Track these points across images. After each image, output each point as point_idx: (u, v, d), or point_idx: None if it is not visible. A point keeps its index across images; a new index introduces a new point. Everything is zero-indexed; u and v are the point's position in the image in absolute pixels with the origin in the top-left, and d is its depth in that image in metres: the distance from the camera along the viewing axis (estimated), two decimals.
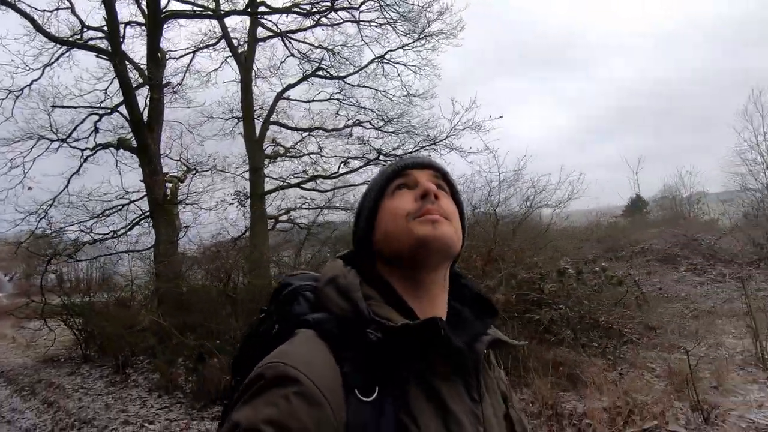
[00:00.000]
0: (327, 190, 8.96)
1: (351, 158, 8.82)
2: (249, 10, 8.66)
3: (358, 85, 9.82)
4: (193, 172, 9.79)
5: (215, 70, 10.08)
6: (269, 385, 0.53)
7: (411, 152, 9.29)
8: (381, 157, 8.60)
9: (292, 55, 9.87)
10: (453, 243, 0.65)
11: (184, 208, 8.45)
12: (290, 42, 9.88)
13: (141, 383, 5.69)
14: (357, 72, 9.67)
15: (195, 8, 8.03)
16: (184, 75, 9.70)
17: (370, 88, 9.81)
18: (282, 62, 9.72)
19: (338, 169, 8.82)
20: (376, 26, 8.61)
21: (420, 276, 0.65)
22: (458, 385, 0.63)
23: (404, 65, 9.99)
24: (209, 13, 8.15)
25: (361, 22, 8.72)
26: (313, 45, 9.78)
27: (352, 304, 0.62)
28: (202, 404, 4.67)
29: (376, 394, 0.55)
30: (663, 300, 7.69)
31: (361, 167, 8.78)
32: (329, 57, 9.65)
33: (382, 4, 8.16)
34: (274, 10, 9.09)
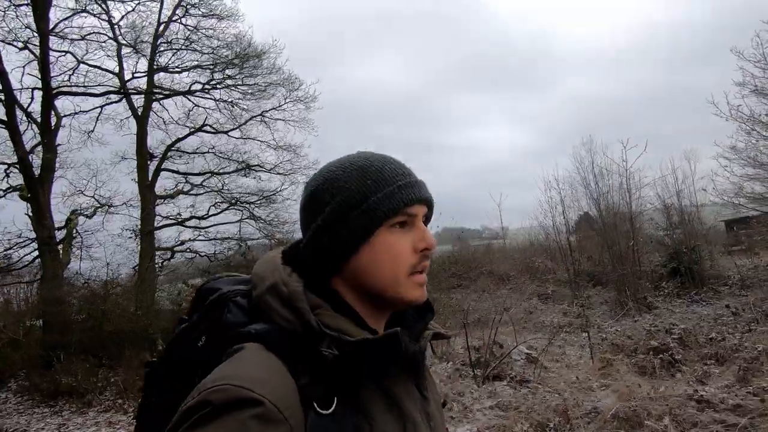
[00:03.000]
0: (205, 227, 10.92)
1: (219, 203, 10.96)
2: (144, 89, 10.52)
3: (241, 137, 11.99)
4: (92, 209, 11.25)
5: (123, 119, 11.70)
6: (219, 411, 0.47)
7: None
8: (237, 205, 10.83)
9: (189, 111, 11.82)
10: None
11: (73, 247, 9.93)
12: (183, 99, 11.81)
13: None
14: (238, 128, 11.82)
15: (86, 84, 9.76)
16: (95, 125, 11.25)
17: (252, 139, 12.01)
18: (175, 121, 11.54)
19: (208, 211, 10.85)
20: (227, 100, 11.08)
21: (383, 309, 0.65)
22: (410, 385, 0.63)
23: (283, 121, 12.40)
24: (95, 92, 9.87)
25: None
26: (198, 105, 11.80)
27: (298, 315, 0.57)
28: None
29: (335, 405, 0.53)
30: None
31: (223, 210, 10.97)
32: (216, 114, 11.73)
33: (231, 84, 10.55)
34: (163, 94, 11.02)
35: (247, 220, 11.41)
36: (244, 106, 11.98)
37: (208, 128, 11.66)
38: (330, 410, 0.53)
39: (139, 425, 0.65)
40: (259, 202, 11.41)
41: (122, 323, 7.31)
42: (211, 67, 11.46)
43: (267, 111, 12.10)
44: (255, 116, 11.90)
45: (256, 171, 12.30)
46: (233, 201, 11.11)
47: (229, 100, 11.86)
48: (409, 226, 0.64)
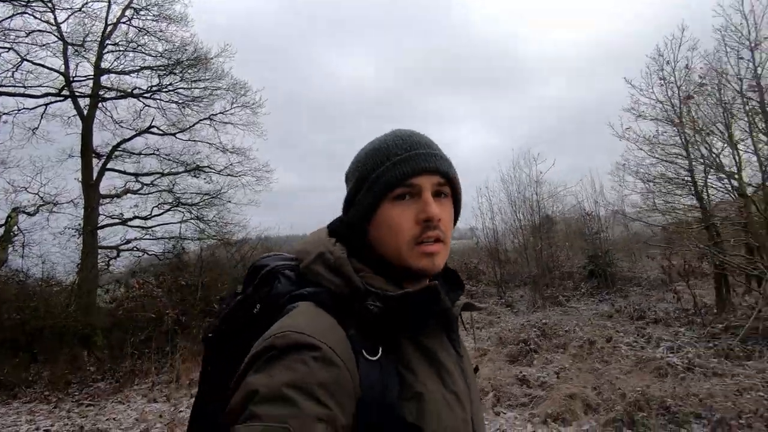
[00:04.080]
0: (151, 227, 11.21)
1: (162, 203, 11.31)
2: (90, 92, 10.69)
3: (189, 140, 12.31)
4: (35, 207, 11.29)
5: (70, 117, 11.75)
6: (284, 352, 0.54)
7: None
8: (180, 206, 11.24)
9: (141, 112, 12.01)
10: (443, 265, 0.70)
11: (12, 244, 10.03)
12: (130, 100, 12.00)
13: None
14: (186, 130, 12.15)
15: (26, 85, 9.88)
16: (39, 122, 11.26)
17: (201, 141, 12.37)
18: (117, 122, 11.72)
19: (151, 211, 11.17)
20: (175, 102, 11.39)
21: (407, 279, 0.69)
22: (445, 341, 0.70)
23: (232, 124, 12.82)
24: (34, 93, 10.01)
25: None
26: (149, 106, 12.03)
27: (345, 278, 0.64)
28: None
29: (380, 353, 0.59)
30: None
31: (166, 210, 11.32)
32: (165, 116, 12.00)
33: (175, 89, 10.97)
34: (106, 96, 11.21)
35: (192, 221, 11.74)
36: (193, 109, 12.35)
37: (155, 130, 11.90)
38: (376, 357, 0.58)
39: (200, 392, 0.70)
40: (203, 202, 11.77)
41: (56, 320, 7.61)
42: (159, 70, 11.74)
43: (215, 114, 12.50)
44: (203, 119, 12.26)
45: (206, 172, 12.66)
46: (176, 202, 11.44)
47: (180, 102, 12.17)
48: (414, 198, 0.67)
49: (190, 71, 11.94)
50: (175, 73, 11.96)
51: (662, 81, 9.41)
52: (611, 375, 4.55)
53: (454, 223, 0.74)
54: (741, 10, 9.22)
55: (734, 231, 8.28)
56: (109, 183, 11.81)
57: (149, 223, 11.34)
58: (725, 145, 9.01)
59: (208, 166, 12.72)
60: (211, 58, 12.34)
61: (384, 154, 0.70)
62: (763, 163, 8.19)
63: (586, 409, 3.98)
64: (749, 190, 8.03)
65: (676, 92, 9.23)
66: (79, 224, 11.09)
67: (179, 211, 11.26)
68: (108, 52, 11.63)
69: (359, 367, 0.57)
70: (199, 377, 0.71)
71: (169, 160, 12.12)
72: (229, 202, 11.87)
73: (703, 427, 3.59)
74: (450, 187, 0.71)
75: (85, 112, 11.53)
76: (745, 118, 8.68)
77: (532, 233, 12.59)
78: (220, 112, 12.57)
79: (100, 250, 10.97)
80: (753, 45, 9.25)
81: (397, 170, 0.67)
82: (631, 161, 9.83)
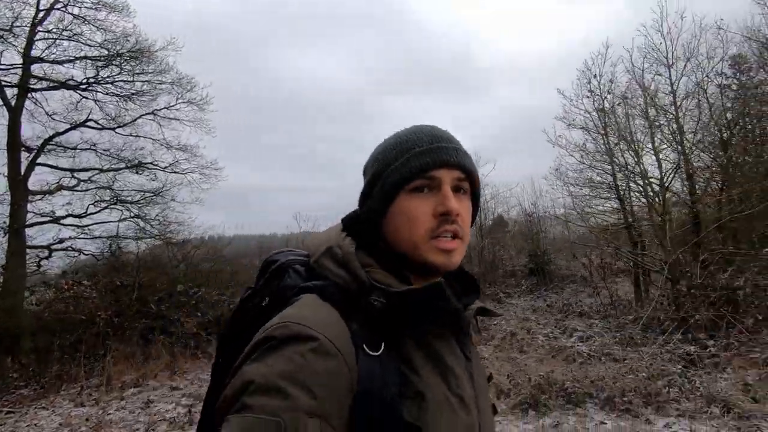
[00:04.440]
0: (86, 226, 10.66)
1: (99, 201, 10.82)
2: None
3: (131, 135, 11.84)
4: None
5: None
6: (282, 343, 0.54)
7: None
8: (119, 204, 10.83)
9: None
10: (459, 263, 0.68)
11: None
12: (66, 92, 11.35)
13: None
14: (127, 125, 11.66)
15: None
16: None
17: (143, 137, 11.92)
18: (49, 115, 11.06)
19: (86, 209, 10.66)
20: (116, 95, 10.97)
21: (421, 274, 0.67)
22: (453, 344, 0.67)
23: (178, 120, 12.44)
24: None
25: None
26: (87, 98, 11.44)
27: (351, 272, 0.63)
28: None
29: (382, 349, 0.58)
30: None
31: (103, 209, 10.86)
32: (104, 109, 11.46)
33: (114, 82, 10.54)
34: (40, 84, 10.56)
35: (132, 219, 11.29)
36: (137, 103, 11.88)
37: (92, 124, 11.33)
38: (378, 353, 0.57)
39: (211, 384, 0.70)
40: (143, 200, 11.36)
41: None
42: (98, 60, 11.20)
43: (159, 110, 12.09)
44: (146, 114, 11.82)
45: (149, 169, 12.21)
46: (114, 200, 10.97)
47: (122, 95, 11.67)
48: (433, 192, 0.66)
49: (131, 63, 11.48)
50: (115, 65, 11.47)
51: (590, 93, 10.21)
52: (525, 363, 4.96)
53: (472, 222, 0.73)
54: (660, 30, 10.22)
55: (650, 232, 9.16)
56: (40, 178, 11.10)
57: (85, 221, 10.78)
58: (643, 153, 9.94)
59: (151, 163, 12.28)
60: (155, 51, 11.94)
61: (405, 147, 0.69)
62: (664, 172, 9.11)
63: (499, 394, 4.34)
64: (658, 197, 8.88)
65: (602, 104, 10.07)
66: (4, 222, 10.38)
67: (117, 209, 10.78)
68: (40, 39, 10.94)
69: (359, 362, 0.56)
70: (211, 370, 0.71)
71: (108, 155, 11.59)
72: (173, 200, 11.51)
73: (595, 405, 4.04)
74: (470, 184, 0.70)
75: (13, 102, 10.80)
76: (649, 130, 9.62)
77: (479, 233, 13.17)
78: (164, 108, 12.18)
79: (29, 250, 10.30)
80: (670, 63, 10.29)
81: (417, 161, 0.66)
82: (563, 166, 10.59)
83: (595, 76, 10.12)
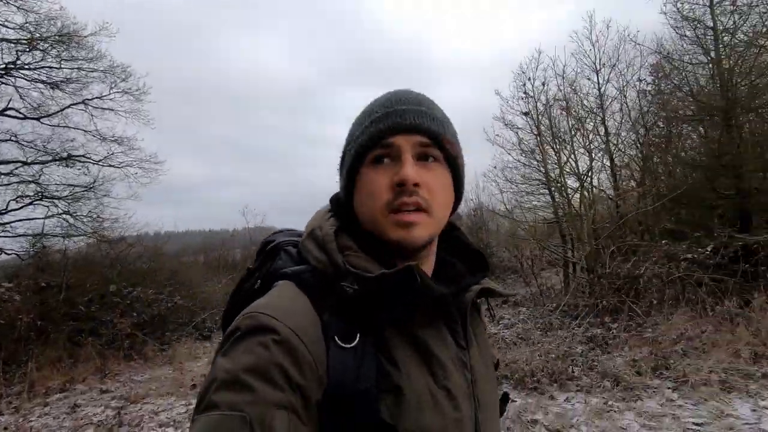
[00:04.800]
0: (6, 223, 9.88)
1: (22, 196, 10.09)
2: None
3: (59, 125, 11.05)
4: None
5: None
6: (245, 335, 0.52)
7: None
8: (44, 200, 10.17)
9: None
10: (426, 240, 0.61)
11: None
12: None
13: None
14: (53, 114, 10.88)
15: None
16: None
17: (73, 128, 11.17)
18: None
19: (7, 205, 9.92)
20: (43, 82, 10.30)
21: (397, 255, 0.62)
22: (443, 332, 0.62)
23: (112, 111, 11.75)
24: None
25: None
26: (6, 84, 10.53)
27: (329, 255, 0.60)
28: None
29: (357, 340, 0.55)
30: None
31: (26, 204, 10.17)
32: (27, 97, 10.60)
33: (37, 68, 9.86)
34: None
35: (61, 216, 10.58)
36: (66, 92, 11.09)
37: (12, 113, 10.47)
38: (352, 344, 0.54)
39: None
40: (72, 196, 10.69)
41: None
42: (18, 44, 10.33)
43: (90, 99, 11.37)
44: (75, 104, 11.07)
45: (81, 162, 11.45)
46: (39, 195, 10.23)
47: (49, 82, 10.83)
48: (394, 161, 0.60)
49: (57, 48, 10.69)
50: (39, 50, 10.62)
51: (524, 95, 10.84)
52: None
53: (459, 194, 0.66)
54: (590, 37, 11.01)
55: (577, 226, 9.95)
56: None
57: (6, 218, 9.97)
58: (571, 152, 10.73)
59: (83, 156, 11.53)
60: (86, 36, 11.19)
61: (365, 115, 0.64)
62: (581, 171, 9.91)
63: None
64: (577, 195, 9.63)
65: (535, 105, 10.73)
66: None
67: (43, 205, 10.06)
68: None
69: (329, 354, 0.53)
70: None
71: (32, 147, 10.75)
72: (105, 196, 10.92)
73: (509, 385, 4.43)
74: (441, 149, 0.62)
75: None
76: (578, 131, 10.43)
77: None
78: (96, 97, 11.46)
79: None
80: (597, 69, 11.13)
81: (374, 128, 0.61)
82: (500, 164, 11.20)
83: (529, 79, 10.74)
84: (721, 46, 6.67)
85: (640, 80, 10.62)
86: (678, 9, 7.15)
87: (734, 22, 6.65)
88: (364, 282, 0.57)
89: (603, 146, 10.92)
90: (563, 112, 11.20)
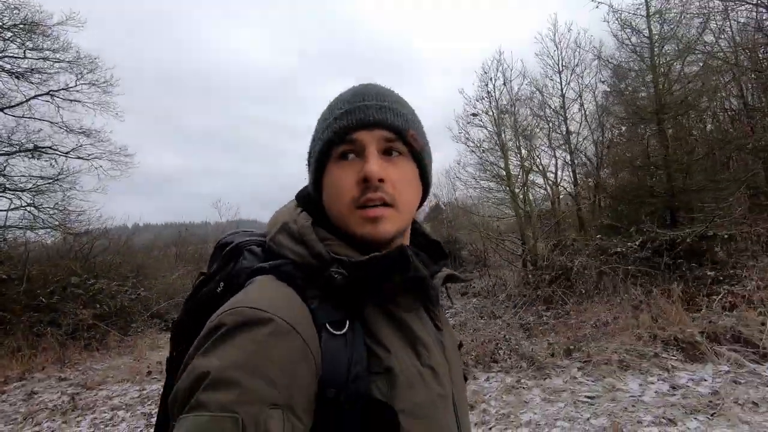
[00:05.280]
0: None
1: None
2: None
3: (23, 116, 10.99)
4: None
5: None
6: (234, 330, 0.50)
7: None
8: (6, 192, 10.18)
9: None
10: (394, 234, 0.62)
11: None
12: None
13: None
14: (17, 105, 10.81)
15: None
16: None
17: (39, 119, 11.11)
18: None
19: None
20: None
21: (366, 248, 0.62)
22: (422, 314, 0.64)
23: (80, 102, 11.72)
24: None
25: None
26: None
27: (308, 247, 0.60)
28: None
29: (346, 327, 0.55)
30: None
31: None
32: None
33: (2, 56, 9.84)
34: None
35: (25, 208, 10.54)
36: (32, 82, 11.01)
37: None
38: (342, 331, 0.54)
39: (168, 378, 0.65)
40: (35, 188, 10.66)
41: None
42: None
43: (57, 90, 11.31)
44: (41, 95, 11.02)
45: (48, 154, 11.40)
46: (2, 187, 10.21)
47: (12, 72, 10.73)
48: (360, 157, 0.61)
49: (21, 38, 10.58)
50: (2, 39, 10.51)
51: (488, 94, 11.23)
52: None
53: (426, 188, 0.67)
54: (554, 39, 11.44)
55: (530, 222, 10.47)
56: None
57: None
58: (531, 151, 11.21)
59: (50, 147, 11.48)
60: (52, 26, 11.10)
61: (330, 110, 0.64)
62: (543, 170, 10.38)
63: None
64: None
65: (497, 104, 11.14)
66: None
67: (6, 197, 10.04)
68: None
69: (322, 343, 0.53)
70: (166, 364, 0.67)
71: None
72: (71, 189, 10.92)
73: None
74: (405, 144, 0.63)
75: None
76: (539, 130, 10.92)
77: None
78: (62, 89, 11.39)
79: None
80: (560, 69, 11.58)
81: (337, 124, 0.61)
82: (463, 161, 11.62)
83: (491, 79, 11.14)
84: (655, 54, 7.15)
85: (601, 82, 11.12)
86: (618, 18, 7.60)
87: (668, 32, 7.13)
88: (355, 266, 0.57)
89: (564, 145, 11.44)
90: (524, 109, 11.67)
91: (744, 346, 4.28)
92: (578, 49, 10.95)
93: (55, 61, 11.26)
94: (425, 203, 0.72)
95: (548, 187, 11.19)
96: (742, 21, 7.98)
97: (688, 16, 6.85)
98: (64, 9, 11.93)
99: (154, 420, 4.55)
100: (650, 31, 7.18)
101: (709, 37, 7.80)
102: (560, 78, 11.66)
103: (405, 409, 0.54)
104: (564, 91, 11.61)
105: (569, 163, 11.34)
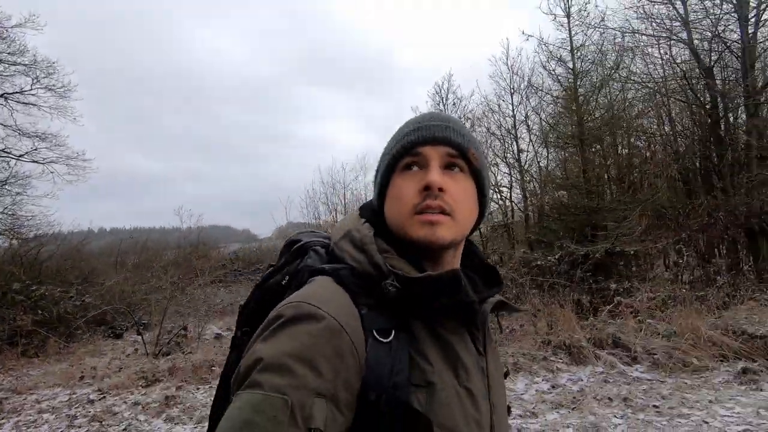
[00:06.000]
0: None
1: None
2: None
3: None
4: None
5: None
6: (290, 322, 0.54)
7: None
8: None
9: None
10: (450, 241, 0.65)
11: None
12: None
13: None
14: None
15: None
16: None
17: None
18: None
19: None
20: None
21: (423, 258, 0.67)
22: (465, 337, 0.66)
23: (35, 106, 11.66)
24: None
25: None
26: None
27: (368, 256, 0.63)
28: None
29: (392, 336, 0.57)
30: None
31: None
32: None
33: None
34: None
35: None
36: None
37: None
38: (388, 339, 0.57)
39: (230, 355, 0.71)
40: None
41: None
42: None
43: (11, 93, 11.26)
44: None
45: (1, 157, 11.27)
46: None
47: None
48: (423, 169, 0.66)
49: None
50: None
51: (441, 111, 11.86)
52: None
53: (483, 206, 0.72)
54: (507, 63, 12.18)
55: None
56: None
57: None
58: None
59: (2, 150, 11.37)
60: (9, 28, 11.07)
61: (399, 131, 0.72)
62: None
63: None
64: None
65: None
66: None
67: None
68: None
69: (368, 347, 0.56)
70: (231, 343, 0.73)
71: None
72: (19, 194, 10.82)
73: None
74: (466, 161, 0.69)
75: None
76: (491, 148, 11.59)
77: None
78: (17, 92, 11.33)
79: None
80: (512, 90, 12.32)
81: (405, 140, 0.68)
82: None
83: (443, 98, 11.78)
84: (578, 85, 7.87)
85: (548, 104, 11.89)
86: (546, 50, 8.33)
87: (588, 66, 7.89)
88: (409, 282, 0.60)
89: (515, 163, 12.15)
90: (477, 127, 12.28)
91: (621, 350, 4.84)
92: (530, 72, 11.72)
93: (11, 64, 11.21)
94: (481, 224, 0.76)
95: (500, 203, 11.85)
96: (657, 56, 8.86)
97: (604, 51, 7.60)
98: (23, 11, 11.85)
99: (76, 422, 4.73)
100: (573, 63, 7.90)
101: (632, 68, 8.62)
102: (512, 99, 12.42)
103: (439, 425, 0.57)
104: (515, 112, 12.36)
105: (518, 180, 12.07)
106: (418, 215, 0.64)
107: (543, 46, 8.31)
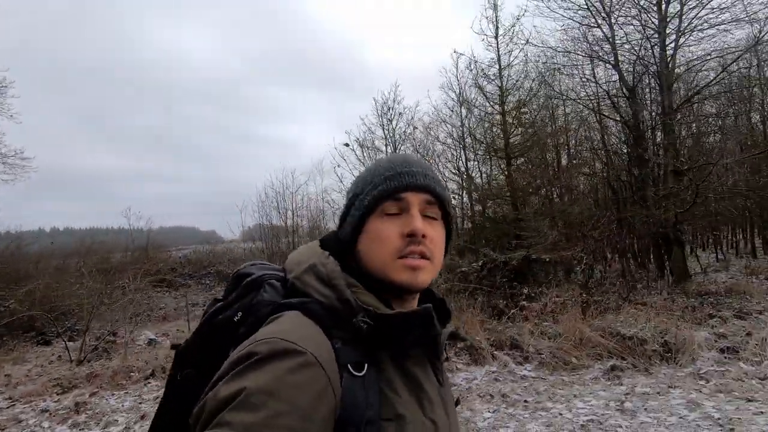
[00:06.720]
0: None
1: None
2: None
3: None
4: None
5: None
6: (266, 359, 0.53)
7: None
8: None
9: None
10: (428, 283, 0.69)
11: None
12: None
13: None
14: None
15: None
16: None
17: None
18: None
19: None
20: None
21: (394, 297, 0.69)
22: (427, 368, 0.68)
23: None
24: None
25: None
26: None
27: (337, 291, 0.63)
28: None
29: (365, 369, 0.58)
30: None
31: None
32: None
33: None
34: None
35: None
36: None
37: None
38: (362, 373, 0.58)
39: (166, 399, 0.69)
40: None
41: None
42: None
43: None
44: None
45: None
46: None
47: None
48: (403, 214, 0.69)
49: None
50: None
51: (388, 122, 12.22)
52: None
53: (446, 250, 0.75)
54: (456, 74, 12.66)
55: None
56: None
57: None
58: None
59: None
60: None
61: (379, 171, 0.73)
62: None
63: None
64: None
65: (393, 131, 12.16)
66: None
67: None
68: None
69: (342, 382, 0.56)
70: (165, 384, 0.71)
71: None
72: None
73: None
74: (441, 211, 0.72)
75: None
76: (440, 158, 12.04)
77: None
78: None
79: None
80: (461, 101, 12.81)
81: (387, 184, 0.70)
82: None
83: (390, 109, 12.13)
84: (505, 102, 8.39)
85: (478, 120, 12.42)
86: (477, 67, 8.81)
87: (513, 84, 8.42)
88: (380, 319, 0.62)
89: (465, 172, 12.64)
90: (426, 137, 12.65)
91: (517, 351, 5.24)
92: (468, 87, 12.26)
93: None
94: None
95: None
96: (584, 75, 9.52)
97: (529, 71, 8.13)
98: None
99: None
100: (501, 82, 8.41)
101: (558, 87, 9.23)
102: (461, 110, 12.92)
103: None
104: (463, 122, 12.86)
105: (465, 188, 12.56)
106: (401, 259, 0.66)
107: (474, 64, 8.78)
